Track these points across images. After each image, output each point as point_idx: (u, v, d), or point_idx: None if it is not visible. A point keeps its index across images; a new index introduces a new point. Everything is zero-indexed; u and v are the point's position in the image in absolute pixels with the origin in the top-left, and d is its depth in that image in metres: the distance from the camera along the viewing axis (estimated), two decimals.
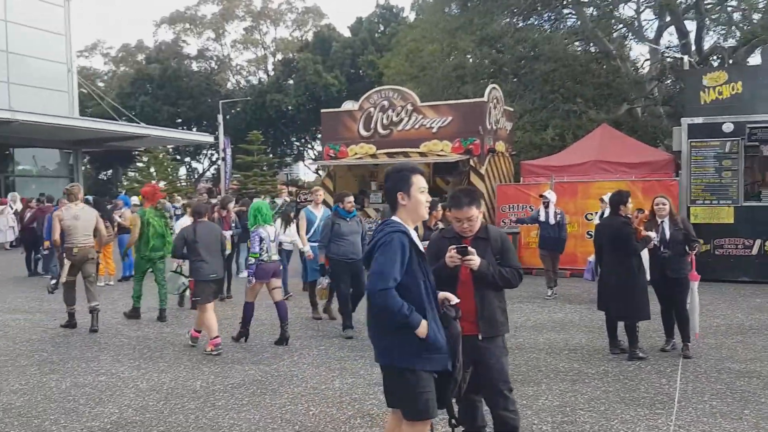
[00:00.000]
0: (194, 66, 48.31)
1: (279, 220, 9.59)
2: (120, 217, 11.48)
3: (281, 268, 7.35)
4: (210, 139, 28.85)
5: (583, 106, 17.43)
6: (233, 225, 9.82)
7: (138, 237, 8.08)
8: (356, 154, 13.85)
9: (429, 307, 3.02)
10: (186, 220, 8.41)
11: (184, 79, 45.19)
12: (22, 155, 23.74)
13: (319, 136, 49.63)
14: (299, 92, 42.06)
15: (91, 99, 32.98)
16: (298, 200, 16.12)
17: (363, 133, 13.81)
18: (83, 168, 25.64)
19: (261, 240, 6.55)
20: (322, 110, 14.91)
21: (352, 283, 7.31)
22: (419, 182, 3.13)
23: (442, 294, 3.21)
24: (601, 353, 6.41)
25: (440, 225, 7.13)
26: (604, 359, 6.20)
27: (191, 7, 46.20)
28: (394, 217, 3.12)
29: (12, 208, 17.57)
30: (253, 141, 35.45)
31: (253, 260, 6.58)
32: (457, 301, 3.23)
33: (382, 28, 43.71)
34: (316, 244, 7.96)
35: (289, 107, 43.13)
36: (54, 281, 10.20)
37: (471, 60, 18.90)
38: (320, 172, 54.59)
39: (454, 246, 3.49)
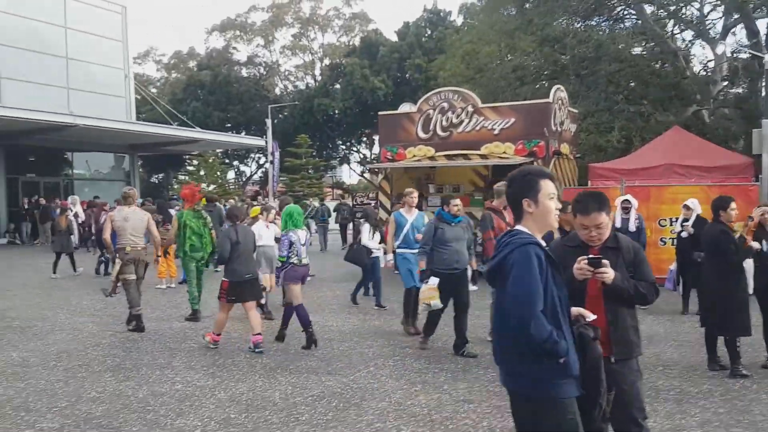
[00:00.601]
0: (244, 72, 49.01)
1: (367, 225, 9.36)
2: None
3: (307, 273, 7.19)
4: (260, 142, 29.07)
5: (649, 108, 16.72)
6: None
7: (176, 238, 8.36)
8: (414, 156, 13.56)
9: (565, 327, 2.67)
10: (261, 226, 8.15)
11: (234, 85, 45.86)
12: (79, 159, 24.28)
13: (365, 139, 49.81)
14: (346, 96, 42.17)
15: (145, 104, 33.66)
16: (355, 203, 15.88)
17: (421, 135, 13.51)
18: (129, 171, 26.03)
19: (291, 244, 6.70)
20: (380, 113, 14.67)
21: (454, 295, 6.56)
22: (548, 188, 2.79)
23: (575, 310, 2.85)
24: (699, 369, 5.93)
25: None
26: (704, 376, 5.73)
27: (241, 15, 46.91)
28: (519, 227, 2.78)
29: (72, 211, 17.88)
30: (301, 144, 35.66)
31: (280, 264, 6.80)
32: (594, 317, 2.87)
33: (429, 32, 43.49)
34: (405, 251, 7.44)
35: (336, 111, 43.29)
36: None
37: (531, 61, 18.38)
38: (366, 175, 54.73)
39: (586, 257, 3.13)
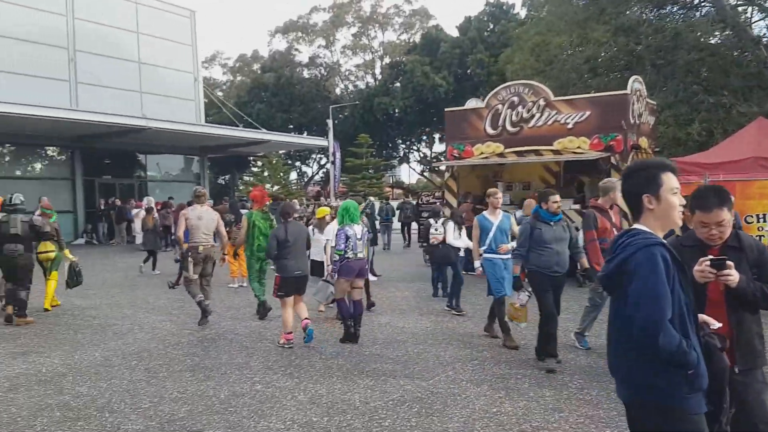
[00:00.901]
0: (305, 73, 49.63)
1: (451, 223, 9.11)
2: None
3: (366, 267, 7.27)
4: (323, 142, 29.30)
5: (731, 99, 15.75)
6: None
7: (246, 238, 8.49)
8: (482, 153, 13.24)
9: (693, 336, 2.40)
10: (333, 227, 7.99)
11: (296, 86, 46.51)
12: (152, 161, 25.09)
13: (425, 138, 49.50)
14: (406, 94, 42.05)
15: (212, 108, 34.56)
16: (420, 202, 15.66)
17: (490, 131, 13.18)
18: (198, 173, 26.71)
19: (347, 238, 6.76)
20: (446, 109, 14.40)
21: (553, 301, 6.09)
22: (670, 182, 2.50)
23: (700, 317, 2.57)
24: None
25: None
26: None
27: (303, 16, 47.52)
28: (638, 225, 2.51)
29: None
30: (361, 144, 35.76)
31: (337, 257, 6.82)
32: (719, 325, 2.57)
33: (491, 26, 42.78)
34: (493, 256, 6.87)
35: (396, 110, 43.24)
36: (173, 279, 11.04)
37: (604, 51, 17.65)
38: (426, 174, 54.31)
39: (707, 258, 2.82)
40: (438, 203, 12.88)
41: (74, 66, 21.55)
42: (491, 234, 6.92)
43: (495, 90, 13.60)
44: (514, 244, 6.87)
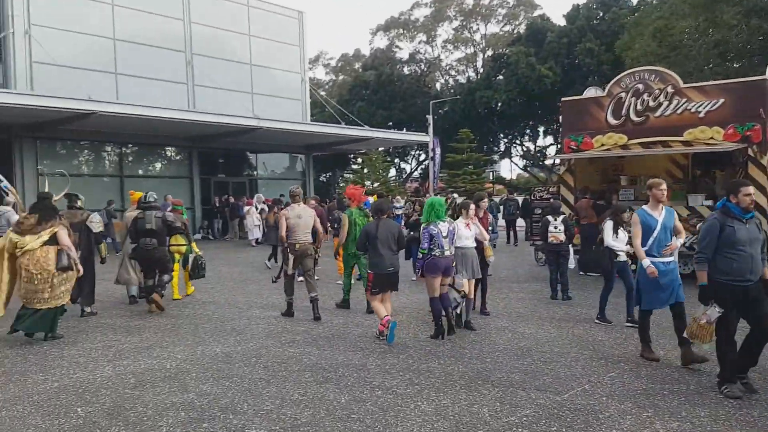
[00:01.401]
0: (405, 70, 49.59)
1: (609, 222, 8.02)
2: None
3: (453, 264, 7.08)
4: (426, 138, 29.06)
5: None
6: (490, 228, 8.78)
7: (346, 235, 8.69)
8: (603, 145, 12.36)
9: None
10: (460, 225, 7.44)
11: (396, 83, 46.59)
12: (260, 160, 25.88)
13: (529, 131, 47.94)
14: (510, 87, 40.93)
15: (314, 107, 35.26)
16: (532, 198, 14.94)
17: (612, 121, 12.30)
18: (304, 170, 27.23)
19: (432, 237, 6.75)
20: (563, 99, 13.59)
21: (747, 314, 5.06)
22: None
23: None
24: None
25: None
26: None
27: (405, 12, 47.50)
28: None
29: (257, 209, 19.00)
30: (462, 139, 35.09)
31: (420, 255, 6.83)
32: None
33: (601, 14, 40.72)
34: (656, 259, 5.86)
35: (499, 103, 42.20)
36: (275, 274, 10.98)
37: (735, 35, 16.06)
38: (528, 169, 52.62)
39: None
40: (553, 199, 12.13)
41: (191, 69, 22.58)
42: (655, 233, 5.88)
43: (618, 77, 12.68)
44: (679, 242, 6.08)
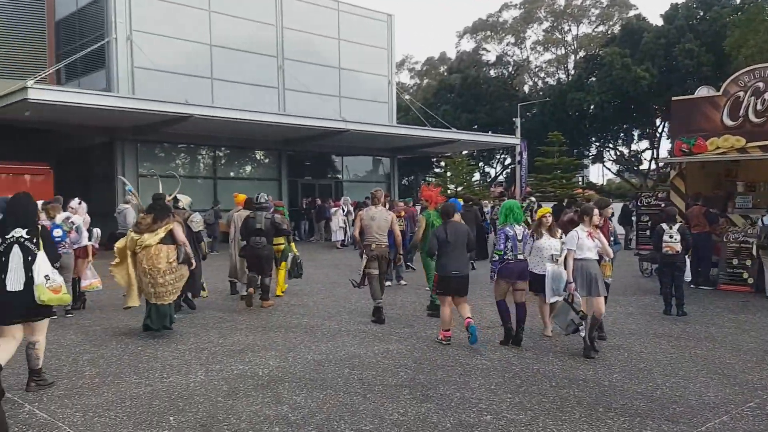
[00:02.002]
0: (492, 72, 48.62)
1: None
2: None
3: (528, 269, 7.00)
4: (515, 140, 28.19)
5: None
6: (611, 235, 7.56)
7: (422, 237, 8.63)
8: (718, 147, 11.29)
9: None
10: (581, 235, 6.55)
11: (482, 86, 45.73)
12: (347, 163, 25.90)
13: (622, 135, 45.68)
14: (603, 89, 39.22)
15: (399, 111, 35.06)
16: (639, 204, 13.94)
17: (728, 122, 11.24)
18: (389, 173, 26.98)
19: (507, 238, 6.70)
20: (673, 98, 12.58)
21: None
22: None
23: None
24: None
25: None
26: None
27: (493, 14, 46.61)
28: None
29: (344, 210, 18.93)
30: (553, 142, 33.77)
31: (497, 257, 6.77)
32: None
33: (701, 13, 38.28)
34: None
35: (591, 106, 40.51)
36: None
37: None
38: (623, 174, 50.14)
39: None
40: (665, 205, 11.19)
41: (282, 73, 22.90)
42: None
43: (735, 75, 11.60)
44: None
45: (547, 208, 8.68)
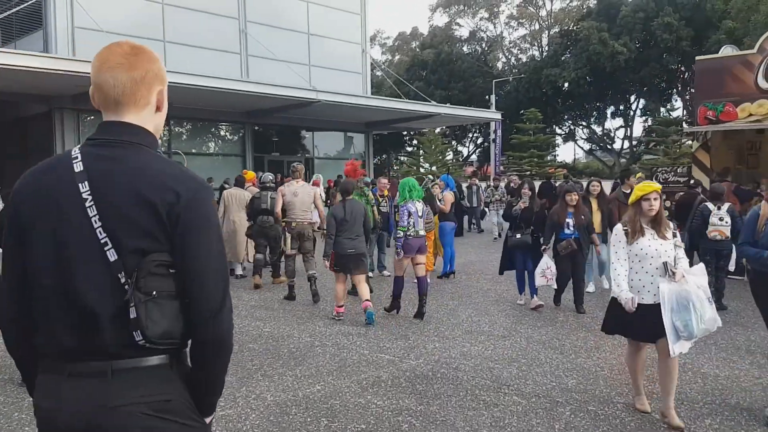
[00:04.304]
0: (465, 48, 47.13)
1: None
2: (440, 201, 9.52)
3: (425, 244, 7.16)
4: (496, 115, 26.68)
5: None
6: None
7: None
8: (751, 115, 9.92)
9: None
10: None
11: (456, 62, 44.24)
12: (316, 138, 24.04)
13: (595, 113, 44.85)
14: (579, 65, 38.18)
15: (372, 87, 33.19)
16: (657, 180, 12.50)
17: (764, 84, 9.85)
18: (363, 151, 25.20)
19: (409, 215, 6.84)
20: (697, 58, 11.11)
21: None
22: None
23: None
24: None
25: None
26: None
27: None
28: None
29: (318, 188, 17.17)
30: (530, 119, 32.44)
31: (401, 234, 6.85)
32: None
33: None
34: None
35: (566, 82, 39.44)
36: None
37: None
38: (595, 153, 49.37)
39: None
40: (715, 182, 9.69)
41: (245, 38, 20.81)
42: None
43: None
44: None
45: (651, 184, 4.20)
